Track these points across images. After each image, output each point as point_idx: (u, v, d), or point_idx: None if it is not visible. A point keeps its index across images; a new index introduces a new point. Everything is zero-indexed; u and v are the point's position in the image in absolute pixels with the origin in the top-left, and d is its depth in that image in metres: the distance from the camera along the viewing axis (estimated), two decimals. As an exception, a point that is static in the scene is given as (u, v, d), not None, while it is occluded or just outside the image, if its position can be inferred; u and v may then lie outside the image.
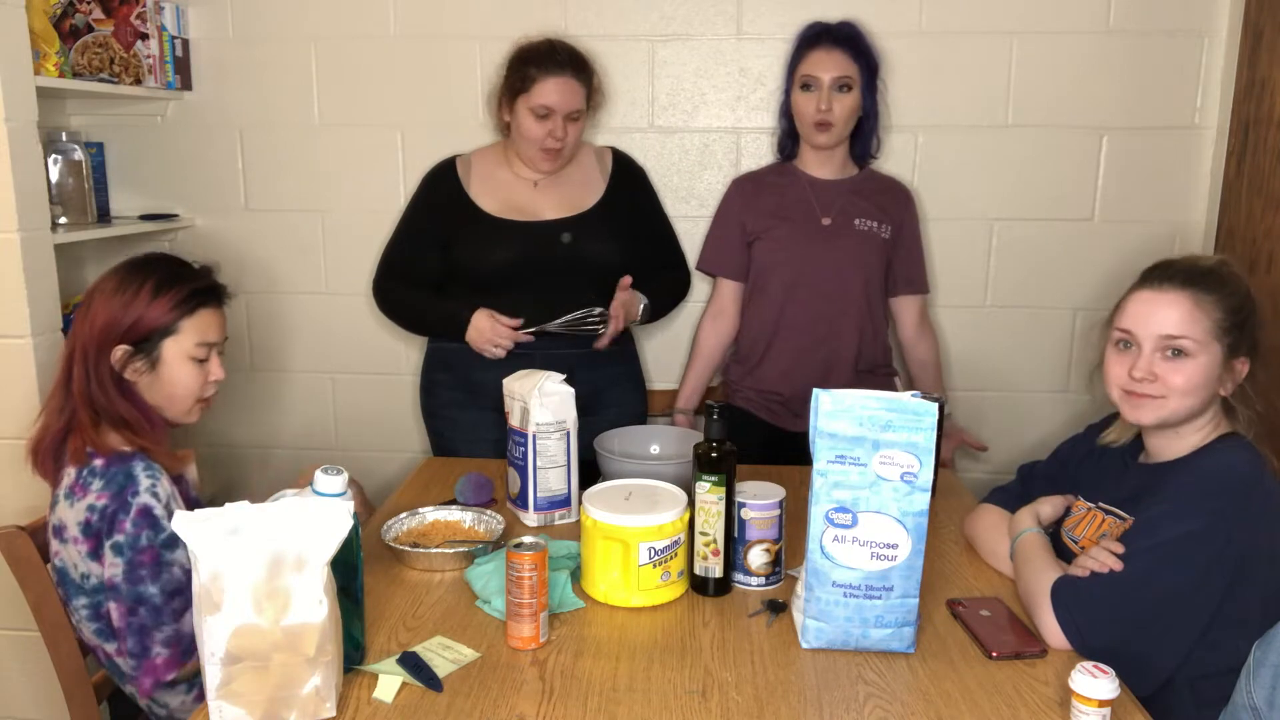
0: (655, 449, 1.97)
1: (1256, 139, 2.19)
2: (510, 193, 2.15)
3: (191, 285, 1.54)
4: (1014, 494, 1.66)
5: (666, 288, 2.30)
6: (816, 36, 2.08)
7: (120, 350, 1.49)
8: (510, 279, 2.10)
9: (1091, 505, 1.50)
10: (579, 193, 2.17)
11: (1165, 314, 1.37)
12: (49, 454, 1.50)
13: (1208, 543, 1.26)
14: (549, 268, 2.11)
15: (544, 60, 2.05)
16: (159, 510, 1.43)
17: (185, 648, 1.41)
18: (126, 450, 1.47)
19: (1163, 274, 1.40)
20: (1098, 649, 1.23)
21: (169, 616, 1.41)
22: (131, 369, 1.51)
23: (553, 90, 2.03)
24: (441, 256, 2.14)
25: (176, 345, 1.52)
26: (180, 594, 1.43)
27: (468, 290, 2.15)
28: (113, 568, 1.42)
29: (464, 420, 2.21)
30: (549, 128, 2.05)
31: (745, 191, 2.22)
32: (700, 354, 2.30)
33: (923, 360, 2.27)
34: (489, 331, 2.05)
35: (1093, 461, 1.58)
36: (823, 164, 2.15)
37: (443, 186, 2.18)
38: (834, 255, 2.10)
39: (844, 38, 2.07)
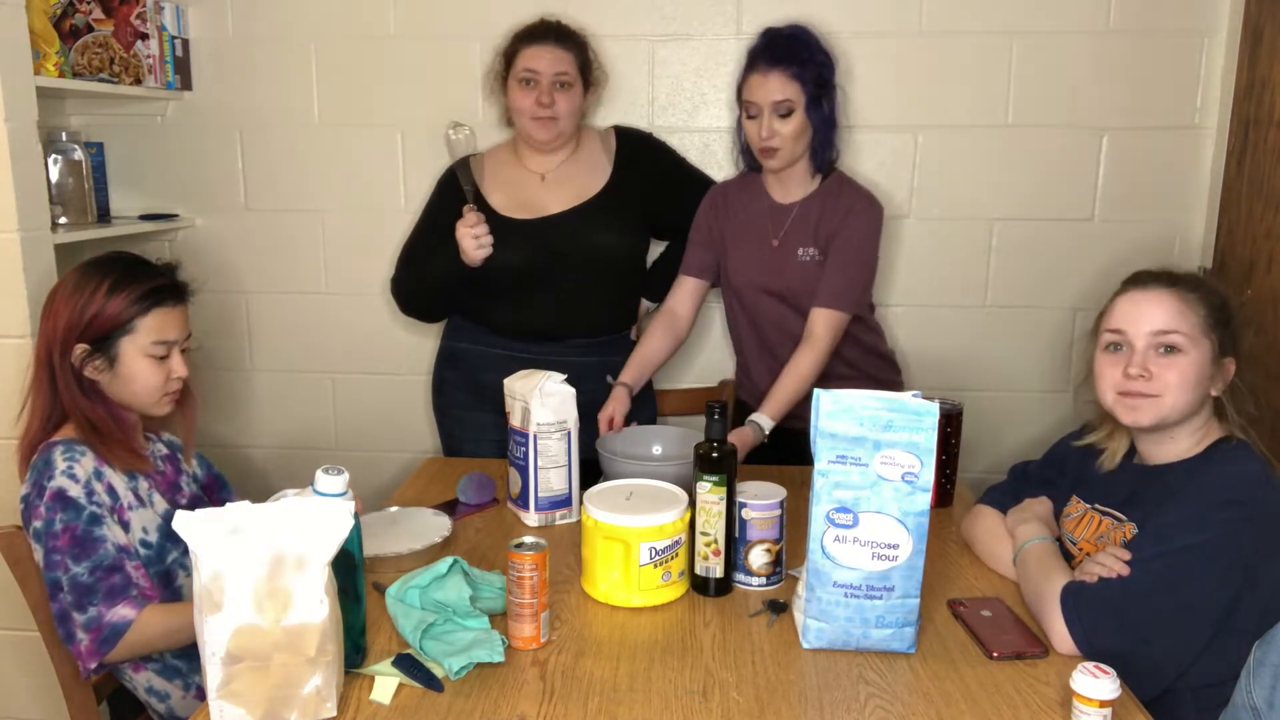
0: (657, 449, 1.97)
1: (1256, 139, 2.19)
2: (518, 189, 2.15)
3: (148, 284, 1.53)
4: (1008, 493, 1.66)
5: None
6: (756, 56, 1.97)
7: (79, 349, 1.50)
8: (522, 277, 2.11)
9: (1089, 506, 1.50)
10: (585, 181, 2.16)
11: (1154, 311, 1.38)
12: (26, 459, 1.51)
13: (1218, 554, 1.26)
14: (559, 264, 2.10)
15: (527, 32, 2.10)
16: (75, 491, 1.42)
17: (106, 635, 1.39)
18: (56, 439, 1.47)
19: (1146, 277, 1.43)
20: (1104, 654, 1.23)
21: (100, 596, 1.39)
22: (91, 368, 1.51)
23: (534, 55, 2.06)
24: (456, 254, 2.11)
25: (133, 344, 1.51)
26: (116, 571, 1.41)
27: (483, 290, 2.15)
28: (35, 555, 1.44)
29: (470, 420, 2.21)
30: (535, 94, 2.05)
31: (716, 203, 2.17)
32: (639, 355, 2.12)
33: (780, 378, 1.96)
34: (464, 235, 2.00)
35: (1088, 461, 1.58)
36: (782, 184, 2.07)
37: (456, 184, 2.16)
38: (780, 283, 2.05)
39: (782, 55, 1.93)
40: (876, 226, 2.03)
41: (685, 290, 2.18)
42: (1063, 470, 1.62)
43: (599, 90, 2.27)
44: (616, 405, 2.00)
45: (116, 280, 1.51)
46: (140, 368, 1.52)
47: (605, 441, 1.90)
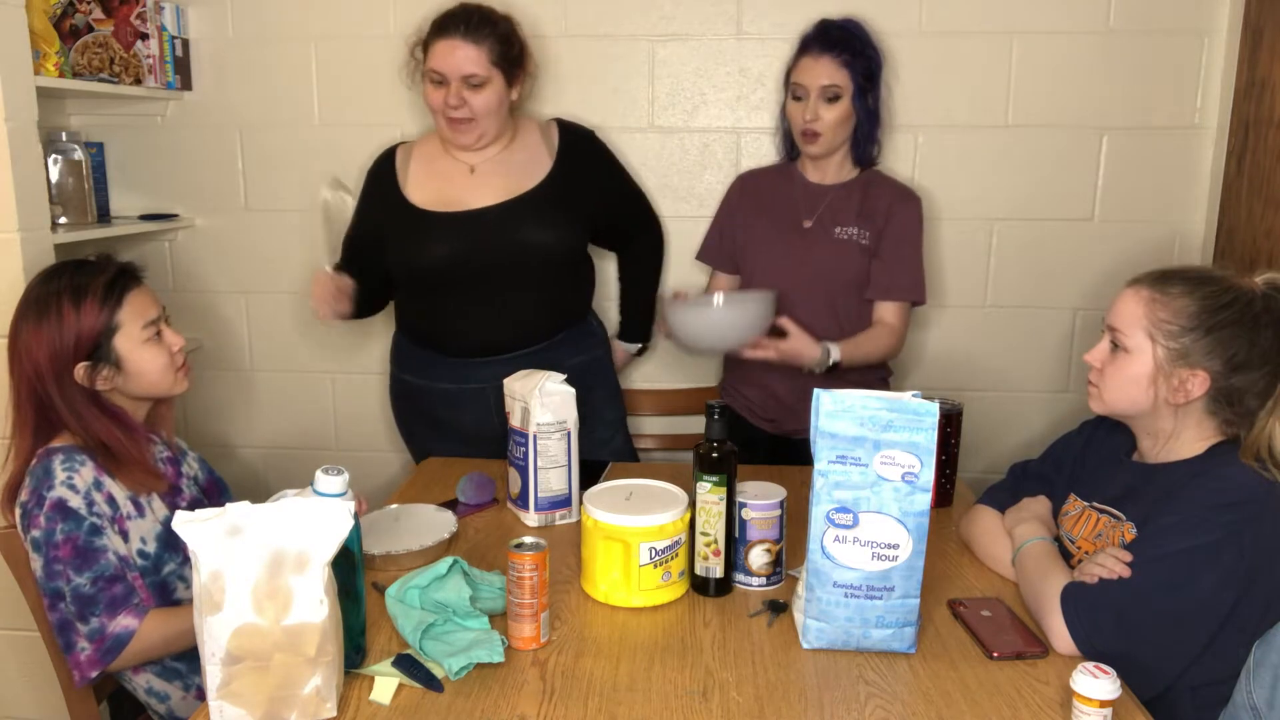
0: (719, 300, 1.97)
1: (1256, 139, 2.19)
2: (444, 182, 2.01)
3: (102, 279, 1.52)
4: (1007, 492, 1.66)
5: (646, 286, 2.33)
6: (809, 42, 2.03)
7: (81, 368, 1.49)
8: (447, 278, 1.98)
9: (1086, 504, 1.50)
10: (520, 175, 2.02)
11: (1120, 306, 1.41)
12: (10, 502, 1.50)
13: (1220, 557, 1.25)
14: (487, 261, 1.97)
15: (439, 23, 1.93)
16: (75, 501, 1.41)
17: (109, 645, 1.40)
18: (56, 445, 1.47)
19: (1151, 272, 1.42)
20: (1104, 655, 1.23)
21: (102, 607, 1.40)
22: (101, 379, 1.51)
23: (441, 53, 1.89)
24: (381, 254, 2.03)
25: (126, 338, 1.51)
26: (118, 580, 1.42)
27: (407, 293, 2.07)
28: (34, 564, 1.43)
29: (441, 451, 2.12)
30: (444, 94, 1.91)
31: (743, 188, 2.21)
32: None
33: (857, 334, 2.04)
34: (313, 296, 1.92)
35: (1086, 459, 1.58)
36: (819, 168, 2.12)
37: (378, 179, 2.08)
38: (808, 261, 2.06)
39: (835, 42, 1.98)
40: (922, 217, 2.11)
41: (725, 285, 2.21)
42: (1060, 468, 1.62)
43: (532, 80, 2.10)
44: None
45: (74, 294, 1.49)
46: (145, 356, 1.53)
47: (671, 309, 1.90)
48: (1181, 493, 1.32)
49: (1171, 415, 1.39)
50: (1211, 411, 1.37)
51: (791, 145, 2.15)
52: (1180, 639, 1.27)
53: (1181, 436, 1.39)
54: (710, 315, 1.87)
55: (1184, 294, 1.36)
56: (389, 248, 2.02)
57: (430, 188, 2.02)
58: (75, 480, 1.43)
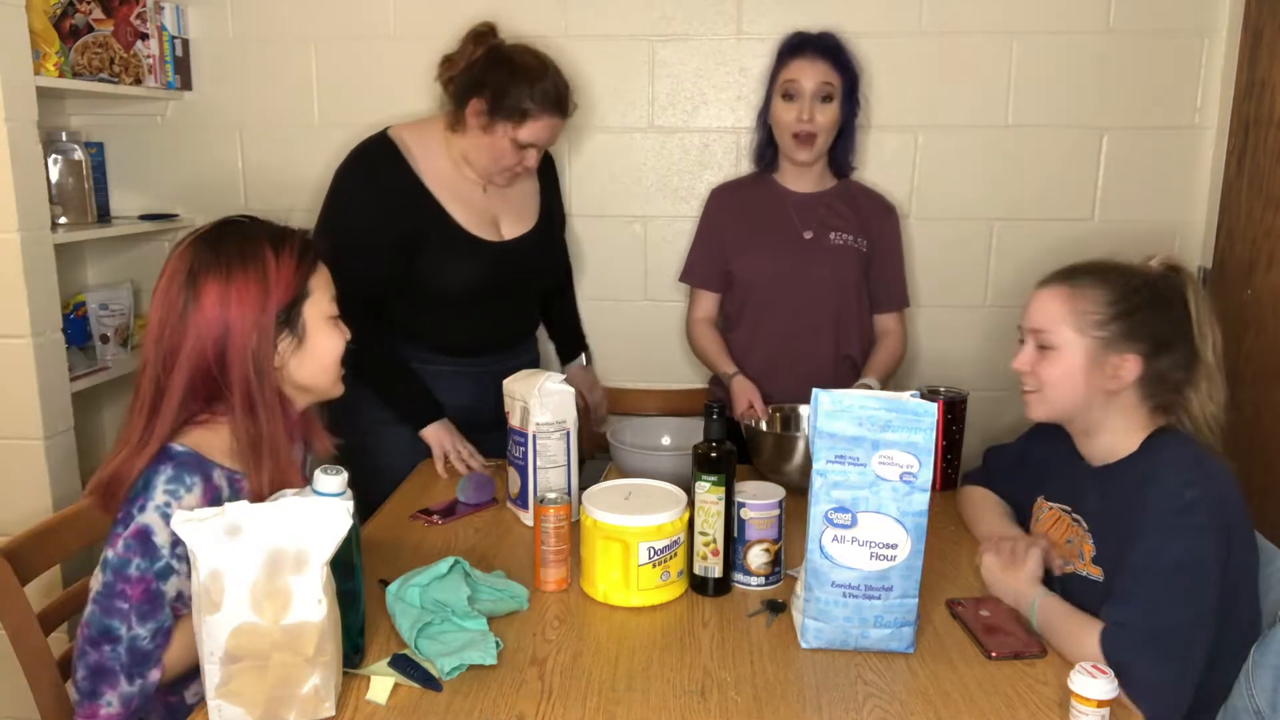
0: (666, 440, 1.98)
1: (1256, 139, 2.19)
2: (471, 202, 2.00)
3: (298, 239, 1.29)
4: (983, 475, 1.73)
5: (574, 306, 2.44)
6: (799, 45, 2.05)
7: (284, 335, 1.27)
8: (470, 299, 2.02)
9: (1052, 505, 1.52)
10: (526, 203, 2.10)
11: (1038, 308, 1.42)
12: (114, 500, 1.26)
13: (1204, 550, 1.24)
14: (503, 287, 2.05)
15: (543, 97, 1.89)
16: (160, 536, 1.21)
17: (135, 707, 1.22)
18: (177, 448, 1.25)
19: (1056, 271, 1.44)
20: (1157, 689, 1.19)
21: (153, 664, 1.22)
22: (280, 349, 1.28)
23: (545, 130, 1.91)
24: (404, 263, 1.95)
25: (315, 308, 1.30)
26: (169, 634, 1.24)
27: (417, 304, 2.00)
28: (94, 580, 1.23)
29: (399, 443, 2.01)
30: (523, 157, 1.94)
31: (724, 203, 2.20)
32: (708, 350, 2.19)
33: (876, 354, 2.16)
34: (450, 451, 1.96)
35: (1051, 459, 1.56)
36: (801, 176, 2.12)
37: (398, 181, 1.95)
38: (811, 271, 2.08)
39: (826, 48, 2.03)
40: (900, 228, 2.24)
41: (709, 301, 2.24)
42: (1029, 465, 1.62)
43: None
44: (749, 392, 2.04)
45: (274, 240, 1.27)
46: (326, 338, 1.32)
47: (616, 433, 1.92)
48: (1140, 509, 1.30)
49: (1102, 406, 1.39)
50: (1143, 397, 1.37)
51: (768, 153, 2.16)
52: (1206, 640, 1.25)
53: (1113, 428, 1.39)
54: (661, 459, 1.84)
55: (1096, 284, 1.38)
56: (422, 261, 1.95)
57: (465, 211, 1.99)
58: (172, 508, 1.22)
